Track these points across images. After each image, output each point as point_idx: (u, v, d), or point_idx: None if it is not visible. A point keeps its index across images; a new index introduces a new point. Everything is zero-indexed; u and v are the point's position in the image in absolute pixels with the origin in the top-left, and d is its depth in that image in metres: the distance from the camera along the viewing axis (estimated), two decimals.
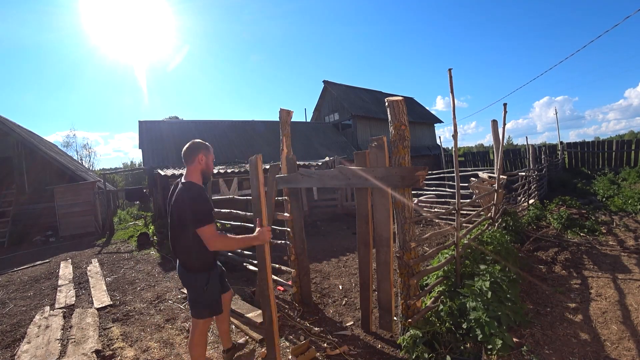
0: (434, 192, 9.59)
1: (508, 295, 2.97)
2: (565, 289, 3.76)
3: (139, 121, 14.13)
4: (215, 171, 9.15)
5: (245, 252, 4.74)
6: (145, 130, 13.88)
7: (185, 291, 2.80)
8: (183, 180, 2.25)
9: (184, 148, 2.30)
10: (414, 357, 2.41)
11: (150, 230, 9.56)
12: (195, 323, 2.38)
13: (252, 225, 4.68)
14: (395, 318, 2.88)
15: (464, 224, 4.04)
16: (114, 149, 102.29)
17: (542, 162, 12.57)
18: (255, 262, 4.27)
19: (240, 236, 2.26)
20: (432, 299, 3.07)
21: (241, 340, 3.03)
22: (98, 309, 4.23)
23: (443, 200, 9.07)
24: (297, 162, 3.70)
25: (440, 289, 3.20)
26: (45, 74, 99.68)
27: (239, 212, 4.76)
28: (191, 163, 2.27)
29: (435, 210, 7.93)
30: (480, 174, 7.33)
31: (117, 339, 3.41)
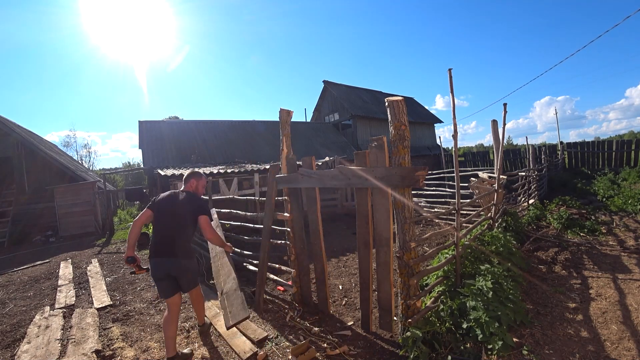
0: (426, 194, 9.59)
1: (510, 296, 2.97)
2: (565, 289, 3.76)
3: (139, 121, 14.13)
4: (215, 171, 9.16)
5: (245, 252, 4.74)
6: (145, 130, 13.88)
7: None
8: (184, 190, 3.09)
9: (185, 174, 3.21)
10: (414, 357, 2.41)
11: (150, 230, 9.55)
12: (197, 290, 3.06)
13: (252, 225, 4.69)
14: (395, 318, 2.88)
15: (464, 224, 4.04)
16: (111, 149, 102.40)
17: (542, 162, 12.57)
18: (256, 262, 4.28)
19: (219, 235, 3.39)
20: (432, 299, 3.07)
21: (186, 350, 2.93)
22: (98, 309, 4.23)
23: (443, 200, 9.07)
24: (297, 162, 3.70)
25: (440, 289, 3.20)
26: (44, 73, 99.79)
27: (238, 212, 4.76)
28: (185, 183, 3.17)
29: (435, 210, 7.93)
30: (480, 174, 7.33)
31: (117, 339, 3.41)
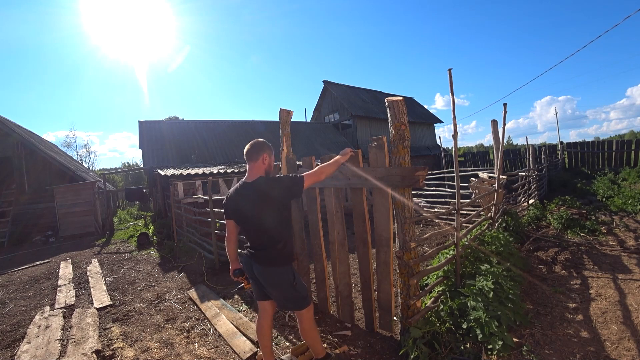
0: (426, 194, 9.58)
1: (510, 296, 2.97)
2: (565, 289, 3.76)
3: (139, 121, 14.15)
4: (215, 171, 9.16)
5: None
6: (145, 130, 13.89)
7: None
8: (250, 179, 2.28)
9: (248, 146, 2.31)
10: (413, 357, 2.41)
11: (150, 230, 9.56)
12: (300, 315, 2.37)
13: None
14: (395, 318, 2.87)
15: (464, 224, 4.04)
16: (109, 149, 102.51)
17: (542, 162, 12.58)
18: None
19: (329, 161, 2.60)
20: (432, 299, 3.07)
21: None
22: (98, 309, 4.23)
23: (443, 200, 9.07)
24: (297, 162, 3.70)
25: (440, 289, 3.20)
26: (44, 74, 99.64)
27: None
28: (255, 160, 2.29)
29: (435, 210, 7.93)
30: (480, 174, 7.34)
31: (117, 339, 3.41)
